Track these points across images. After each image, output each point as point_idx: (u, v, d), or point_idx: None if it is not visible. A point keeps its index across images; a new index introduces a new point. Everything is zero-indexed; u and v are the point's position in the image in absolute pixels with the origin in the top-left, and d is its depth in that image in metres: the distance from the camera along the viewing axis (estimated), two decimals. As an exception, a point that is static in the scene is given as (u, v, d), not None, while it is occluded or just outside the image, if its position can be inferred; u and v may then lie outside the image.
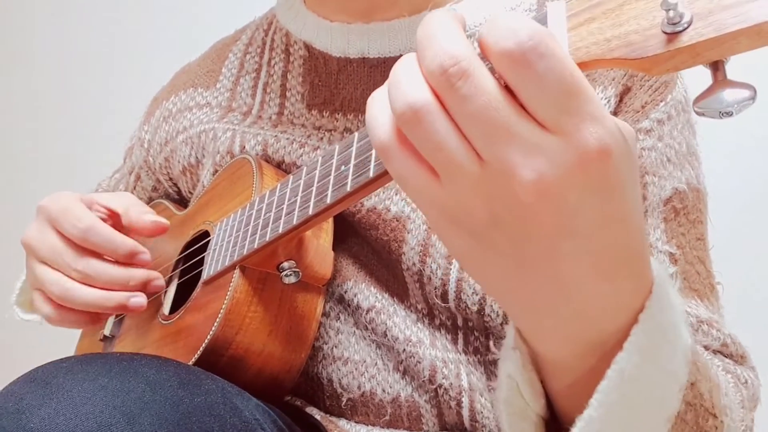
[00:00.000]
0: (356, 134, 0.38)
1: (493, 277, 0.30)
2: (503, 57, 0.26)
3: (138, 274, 0.53)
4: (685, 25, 0.25)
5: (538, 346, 0.33)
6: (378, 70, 0.55)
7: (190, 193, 0.66)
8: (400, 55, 0.54)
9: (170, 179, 0.69)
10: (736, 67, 0.32)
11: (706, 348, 0.48)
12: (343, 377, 0.53)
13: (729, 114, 0.26)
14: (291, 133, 0.58)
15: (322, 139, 0.57)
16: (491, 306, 0.50)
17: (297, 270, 0.50)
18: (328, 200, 0.40)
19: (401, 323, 0.52)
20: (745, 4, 0.24)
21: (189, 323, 0.53)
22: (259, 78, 0.62)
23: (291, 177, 0.47)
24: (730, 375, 0.46)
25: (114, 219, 0.56)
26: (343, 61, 0.57)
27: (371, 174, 0.35)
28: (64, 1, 1.51)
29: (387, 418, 0.52)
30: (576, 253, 0.28)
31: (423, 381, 0.51)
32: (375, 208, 0.53)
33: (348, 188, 0.37)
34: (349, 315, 0.54)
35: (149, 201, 0.73)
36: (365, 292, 0.53)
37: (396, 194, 0.53)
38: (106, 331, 0.65)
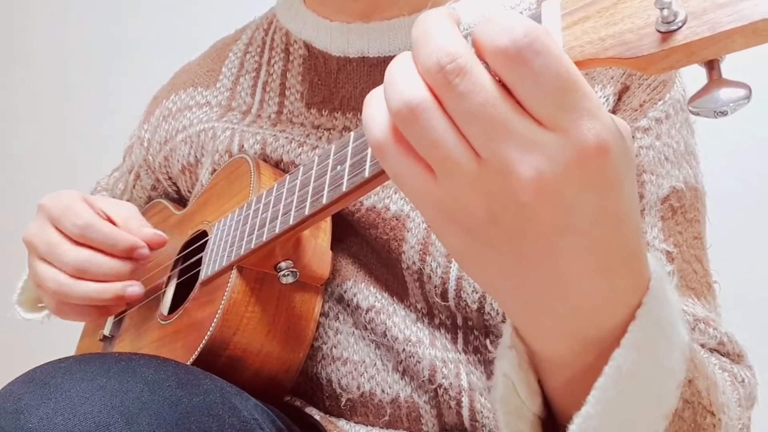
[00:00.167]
0: (352, 134, 0.38)
1: (491, 274, 0.30)
2: (499, 55, 0.26)
3: (127, 269, 0.54)
4: (680, 24, 0.25)
5: (536, 344, 0.33)
6: (378, 69, 0.56)
7: (189, 192, 0.66)
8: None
9: (169, 178, 0.69)
10: (732, 66, 0.32)
11: (703, 346, 0.48)
12: (342, 377, 0.53)
13: (724, 113, 0.25)
14: (290, 132, 0.58)
15: (321, 138, 0.57)
16: (491, 304, 0.50)
17: (294, 270, 0.50)
18: (324, 200, 0.40)
19: (401, 323, 0.52)
20: (739, 2, 0.24)
21: (187, 323, 0.53)
22: (258, 77, 0.62)
23: (288, 177, 0.47)
24: (727, 373, 0.46)
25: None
26: (342, 60, 0.57)
27: (367, 174, 0.35)
28: (64, 1, 1.51)
29: (386, 418, 0.52)
30: (573, 249, 0.28)
31: (423, 381, 0.51)
32: (374, 207, 0.53)
33: (344, 188, 0.37)
34: (348, 315, 0.54)
35: (148, 200, 0.73)
36: (365, 292, 0.53)
37: (395, 193, 0.53)
38: (106, 331, 0.65)
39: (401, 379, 0.52)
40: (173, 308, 0.58)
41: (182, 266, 0.61)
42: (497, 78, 0.26)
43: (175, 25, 1.39)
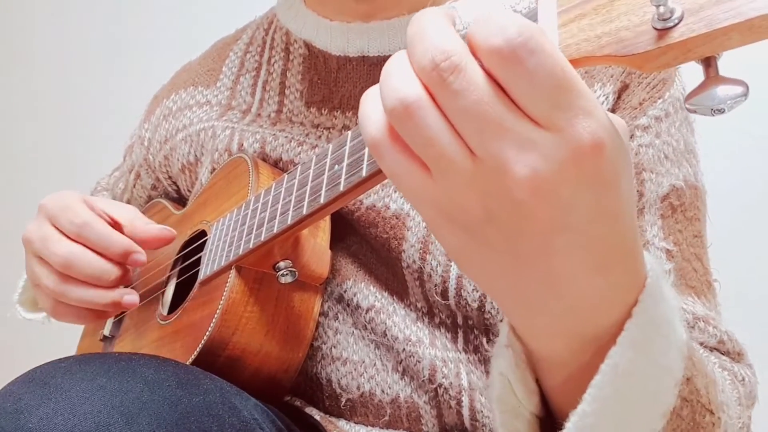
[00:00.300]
0: (349, 133, 0.38)
1: (488, 273, 0.30)
2: (493, 54, 0.25)
3: (114, 270, 0.52)
4: (676, 21, 0.25)
5: (532, 343, 0.33)
6: (377, 68, 0.56)
7: (189, 191, 0.66)
8: None
9: (169, 177, 0.69)
10: (731, 64, 0.32)
11: (703, 345, 0.48)
12: (342, 377, 0.53)
13: (721, 111, 0.25)
14: (289, 131, 0.58)
15: (320, 137, 0.57)
16: (491, 303, 0.49)
17: (293, 269, 0.50)
18: (322, 200, 0.40)
19: (401, 322, 0.52)
20: None
21: (186, 323, 0.53)
22: (258, 76, 0.62)
23: (286, 176, 0.47)
24: (727, 372, 0.46)
25: (115, 227, 0.56)
26: (342, 59, 0.57)
27: (364, 173, 0.35)
28: (64, 1, 1.51)
29: (386, 418, 0.52)
30: (570, 248, 0.28)
31: (423, 381, 0.51)
32: (374, 206, 0.53)
33: (341, 188, 0.37)
34: (348, 315, 0.54)
35: (148, 199, 0.73)
36: (364, 291, 0.53)
37: (395, 191, 0.53)
38: (106, 332, 0.65)
39: (401, 379, 0.52)
40: (173, 308, 0.59)
41: (182, 266, 0.61)
42: (492, 77, 0.26)
43: (176, 25, 1.40)
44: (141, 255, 0.54)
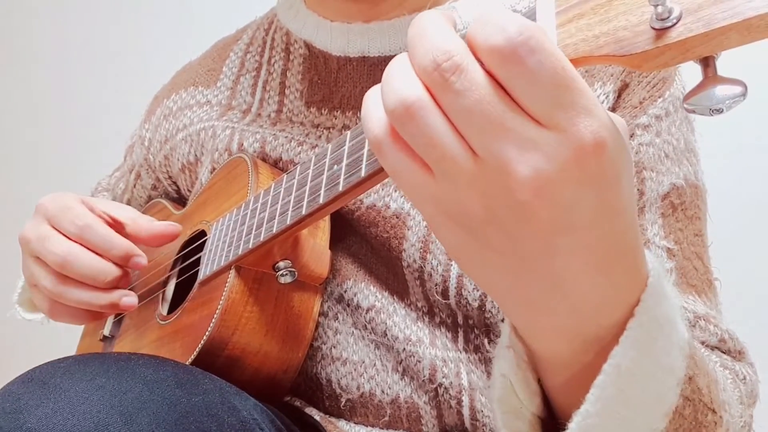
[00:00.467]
0: (348, 133, 0.38)
1: (489, 273, 0.30)
2: (494, 53, 0.25)
3: (112, 270, 0.52)
4: (674, 21, 0.25)
5: (534, 344, 0.33)
6: (378, 68, 0.55)
7: (189, 191, 0.66)
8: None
9: (169, 177, 0.69)
10: (731, 64, 0.32)
11: (704, 344, 0.48)
12: (342, 378, 0.53)
13: (720, 111, 0.25)
14: (289, 131, 0.58)
15: (320, 137, 0.57)
16: (492, 302, 0.49)
17: (293, 269, 0.50)
18: (321, 200, 0.40)
19: (401, 322, 0.52)
20: None
21: (186, 323, 0.53)
22: (259, 76, 0.62)
23: (285, 176, 0.47)
24: (728, 371, 0.46)
25: (116, 228, 0.56)
26: (342, 59, 0.57)
27: (363, 173, 0.35)
28: (64, 1, 1.51)
29: (386, 419, 0.52)
30: (572, 248, 0.28)
31: (423, 380, 0.51)
32: (374, 206, 0.53)
33: (340, 188, 0.37)
34: (348, 315, 0.54)
35: (148, 199, 0.73)
36: (365, 291, 0.53)
37: (395, 191, 0.53)
38: (106, 332, 0.65)
39: (401, 379, 0.52)
40: (172, 308, 0.59)
41: (181, 266, 0.62)
42: (493, 77, 0.26)
43: (176, 25, 1.40)
44: (142, 258, 0.54)
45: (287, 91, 0.60)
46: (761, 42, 0.25)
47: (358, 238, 0.55)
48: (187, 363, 0.49)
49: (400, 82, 0.27)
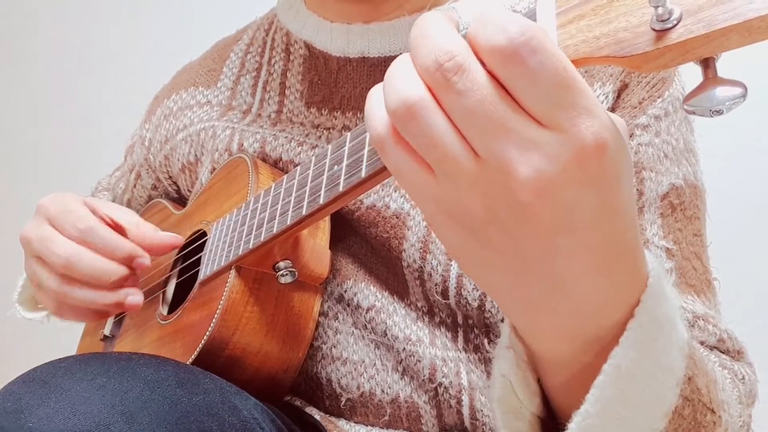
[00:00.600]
0: (349, 134, 0.38)
1: (490, 273, 0.30)
2: (495, 53, 0.25)
3: (116, 270, 0.52)
4: (675, 22, 0.25)
5: (534, 344, 0.33)
6: (378, 69, 0.56)
7: (189, 191, 0.66)
8: (401, 54, 0.54)
9: (169, 177, 0.69)
10: (732, 65, 0.32)
11: (703, 344, 0.48)
12: (342, 377, 0.53)
13: (719, 112, 0.25)
14: (289, 132, 0.58)
15: (320, 137, 0.57)
16: (491, 302, 0.50)
17: (293, 270, 0.50)
18: (322, 200, 0.40)
19: (401, 322, 0.52)
20: (735, 0, 0.24)
21: (186, 323, 0.54)
22: (259, 77, 0.62)
23: (285, 177, 0.47)
24: (727, 371, 0.46)
25: (118, 231, 0.55)
26: (342, 60, 0.57)
27: (363, 174, 0.35)
28: (64, 1, 1.51)
29: (386, 418, 0.52)
30: (573, 249, 0.28)
31: (423, 380, 0.51)
32: (374, 206, 0.53)
33: (340, 188, 0.37)
34: (348, 315, 0.54)
35: (148, 199, 0.73)
36: (365, 291, 0.53)
37: (395, 191, 0.53)
38: (106, 331, 0.65)
39: (401, 378, 0.52)
40: (173, 308, 0.59)
41: (181, 266, 0.62)
42: (494, 78, 0.26)
43: (177, 25, 1.40)
44: (145, 259, 0.54)
45: (287, 92, 0.60)
46: (761, 43, 0.25)
47: (358, 238, 0.55)
48: (187, 363, 0.49)
49: (401, 82, 0.27)
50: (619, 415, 0.30)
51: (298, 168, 0.45)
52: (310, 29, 0.59)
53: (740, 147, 1.03)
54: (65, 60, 1.51)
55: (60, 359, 0.42)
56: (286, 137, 0.58)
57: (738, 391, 0.45)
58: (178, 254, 0.62)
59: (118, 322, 0.66)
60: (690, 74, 0.41)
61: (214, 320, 0.49)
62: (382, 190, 0.53)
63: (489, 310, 0.50)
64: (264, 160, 0.58)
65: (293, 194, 0.44)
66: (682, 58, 0.25)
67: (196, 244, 0.59)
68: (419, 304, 0.52)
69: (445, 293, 0.50)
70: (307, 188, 0.42)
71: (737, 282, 0.67)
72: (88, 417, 0.36)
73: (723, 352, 0.49)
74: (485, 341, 0.51)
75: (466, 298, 0.50)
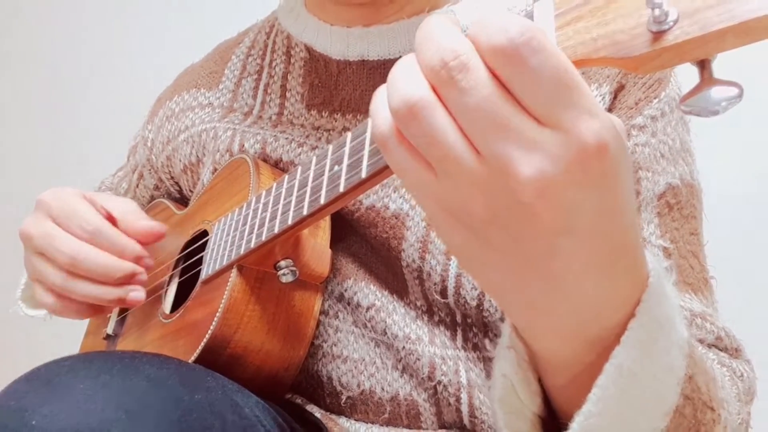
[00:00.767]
0: (349, 134, 0.38)
1: (490, 273, 0.30)
2: (496, 53, 0.25)
3: (124, 266, 0.53)
4: (671, 24, 0.25)
5: (535, 344, 0.33)
6: (377, 71, 0.56)
7: (191, 191, 0.67)
8: (400, 57, 0.54)
9: (171, 178, 0.69)
10: (731, 65, 0.32)
11: (701, 342, 0.48)
12: (342, 375, 0.53)
13: (716, 112, 0.25)
14: (290, 133, 0.58)
15: (320, 138, 0.57)
16: (490, 301, 0.50)
17: (294, 269, 0.50)
18: (322, 200, 0.40)
19: (400, 321, 0.52)
20: (730, 1, 0.24)
21: (188, 322, 0.54)
22: (260, 79, 0.62)
23: (286, 177, 0.47)
24: (726, 368, 0.46)
25: (110, 222, 0.56)
26: (342, 63, 0.57)
27: (363, 174, 0.35)
28: (64, 1, 1.51)
29: (386, 416, 0.52)
30: (573, 249, 0.28)
31: (422, 378, 0.51)
32: (373, 206, 0.53)
33: (341, 188, 0.38)
34: (348, 313, 0.54)
35: (151, 199, 0.74)
36: (365, 290, 0.54)
37: (394, 192, 0.53)
38: (109, 330, 0.66)
39: (401, 376, 0.52)
40: (175, 307, 0.59)
41: (183, 265, 0.62)
42: (496, 78, 0.26)
43: (179, 27, 1.40)
44: (148, 260, 0.55)
45: (288, 94, 0.60)
46: (757, 43, 0.25)
47: (358, 238, 0.55)
48: (189, 361, 0.49)
49: (404, 82, 0.27)
50: (620, 415, 0.30)
51: (299, 168, 0.45)
52: (311, 32, 0.59)
53: (736, 146, 1.04)
54: (65, 60, 1.51)
55: (63, 358, 0.43)
56: (286, 138, 0.58)
57: (737, 388, 0.45)
58: (180, 253, 0.62)
59: (121, 321, 0.66)
60: (686, 74, 0.41)
61: (215, 319, 0.49)
62: (382, 190, 0.54)
63: (487, 310, 0.50)
64: (264, 161, 0.58)
65: (294, 194, 0.45)
66: (679, 59, 0.26)
67: (197, 244, 0.59)
68: (418, 303, 0.53)
69: (443, 293, 0.51)
70: (308, 188, 0.42)
71: (734, 280, 0.67)
72: (92, 415, 0.36)
73: (721, 350, 0.49)
74: (484, 340, 0.51)
75: (464, 298, 0.50)
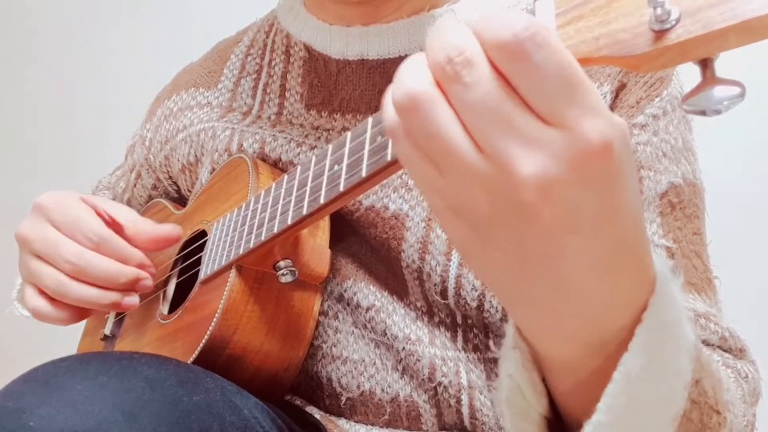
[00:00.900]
0: (349, 134, 0.38)
1: (493, 271, 0.30)
2: (501, 49, 0.25)
3: (129, 271, 0.53)
4: (673, 23, 0.25)
5: (538, 345, 0.33)
6: (377, 71, 0.56)
7: (189, 191, 0.67)
8: (400, 57, 0.54)
9: (170, 177, 0.69)
10: (731, 65, 0.32)
11: (705, 343, 0.47)
12: (342, 376, 0.53)
13: (718, 111, 0.25)
14: (289, 133, 0.58)
15: (319, 138, 0.57)
16: (490, 302, 0.50)
17: (293, 269, 0.50)
18: (322, 200, 0.40)
19: (400, 321, 0.52)
20: (733, 0, 0.24)
21: (187, 323, 0.54)
22: (259, 79, 0.62)
23: (285, 176, 0.47)
24: (730, 370, 0.46)
25: (113, 228, 0.55)
26: (342, 62, 0.57)
27: (363, 174, 0.35)
28: (64, 1, 1.51)
29: (386, 417, 0.52)
30: (577, 249, 0.27)
31: (422, 379, 0.51)
32: (373, 207, 0.53)
33: (341, 188, 0.37)
34: (348, 314, 0.54)
35: (149, 199, 0.73)
36: (364, 291, 0.53)
37: (394, 192, 0.53)
38: (107, 331, 0.65)
39: (401, 378, 0.52)
40: (173, 307, 0.59)
41: (182, 266, 0.62)
42: (500, 74, 0.26)
43: (178, 26, 1.40)
44: (152, 268, 0.55)
45: (287, 94, 0.60)
46: (760, 42, 0.25)
47: (358, 238, 0.55)
48: (188, 362, 0.49)
49: (408, 77, 0.27)
50: (630, 423, 0.30)
51: (299, 168, 0.45)
52: (310, 31, 0.59)
53: (739, 145, 1.03)
54: (66, 60, 1.51)
55: (61, 359, 0.42)
56: (285, 138, 0.58)
57: (742, 390, 0.44)
58: (178, 254, 0.62)
59: (119, 322, 0.66)
60: (688, 73, 0.41)
61: (214, 319, 0.49)
62: (381, 191, 0.53)
63: (488, 311, 0.50)
64: (263, 160, 0.58)
65: (293, 194, 0.45)
66: (681, 58, 0.25)
67: (196, 244, 0.59)
68: (418, 304, 0.53)
69: (443, 293, 0.51)
70: (308, 188, 0.42)
71: (738, 280, 0.67)
72: (89, 416, 0.36)
73: (725, 351, 0.49)
74: (485, 341, 0.51)
75: (464, 299, 0.50)
